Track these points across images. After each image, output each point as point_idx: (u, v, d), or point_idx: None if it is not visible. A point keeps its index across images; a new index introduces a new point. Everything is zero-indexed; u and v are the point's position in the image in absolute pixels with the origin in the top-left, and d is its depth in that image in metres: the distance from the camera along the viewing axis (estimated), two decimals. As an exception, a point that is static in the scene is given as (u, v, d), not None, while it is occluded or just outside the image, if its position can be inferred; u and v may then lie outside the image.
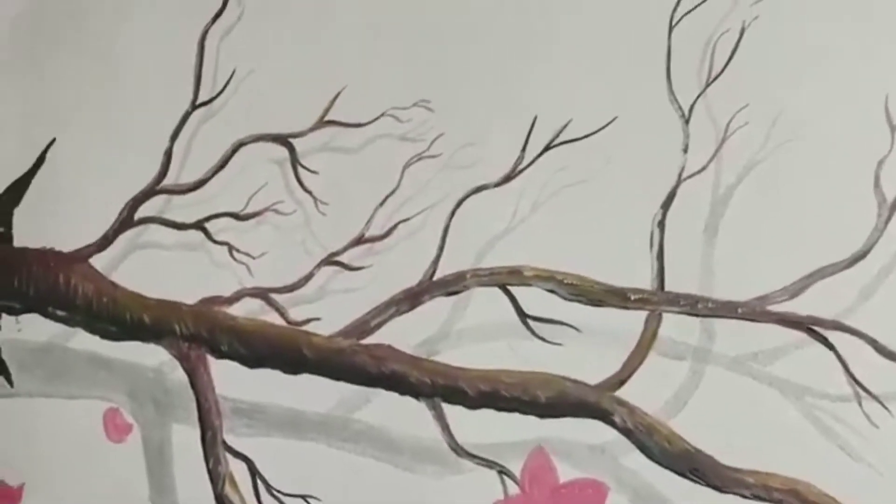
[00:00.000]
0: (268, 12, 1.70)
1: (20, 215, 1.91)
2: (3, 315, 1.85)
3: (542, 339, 1.40)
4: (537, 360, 1.39)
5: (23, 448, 1.81)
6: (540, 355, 1.39)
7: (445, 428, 1.44)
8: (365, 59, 1.60)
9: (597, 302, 1.37)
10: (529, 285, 1.41)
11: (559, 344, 1.39)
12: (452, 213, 1.48)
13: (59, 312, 1.78)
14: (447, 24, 1.54)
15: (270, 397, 1.58)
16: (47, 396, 1.78)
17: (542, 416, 1.38)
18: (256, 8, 1.71)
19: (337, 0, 1.63)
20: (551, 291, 1.40)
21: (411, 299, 1.49)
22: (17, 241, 1.90)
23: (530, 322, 1.40)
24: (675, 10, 1.38)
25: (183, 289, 1.68)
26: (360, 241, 1.55)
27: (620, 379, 1.34)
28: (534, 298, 1.41)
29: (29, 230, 1.88)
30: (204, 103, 1.72)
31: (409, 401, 1.46)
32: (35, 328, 1.81)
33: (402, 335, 1.49)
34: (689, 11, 1.37)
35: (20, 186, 1.90)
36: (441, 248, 1.49)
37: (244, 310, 1.62)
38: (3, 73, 1.98)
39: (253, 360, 1.59)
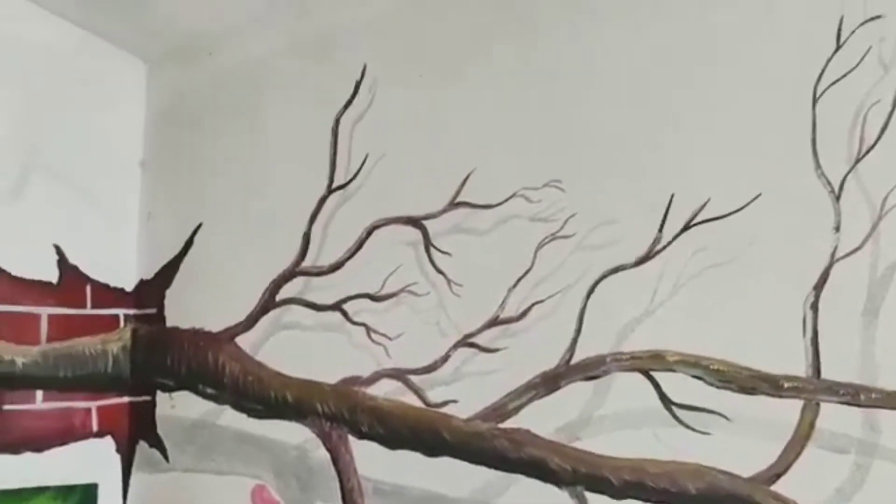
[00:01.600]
0: (397, 98, 1.75)
1: (171, 297, 2.03)
2: (158, 392, 1.97)
3: (689, 427, 1.34)
4: (685, 450, 1.34)
5: (178, 522, 1.91)
6: (687, 444, 1.34)
7: (589, 517, 1.41)
8: (494, 141, 1.61)
9: (747, 389, 1.31)
10: (673, 371, 1.37)
11: (707, 433, 1.33)
12: (588, 295, 1.46)
13: (209, 390, 1.88)
14: (576, 102, 1.54)
15: (411, 479, 1.59)
16: (199, 472, 1.88)
17: (691, 508, 1.33)
18: (386, 94, 1.76)
19: (465, 83, 1.66)
20: (697, 377, 1.35)
21: (549, 383, 1.48)
22: (169, 322, 2.02)
23: (676, 409, 1.36)
24: (818, 80, 1.31)
25: (323, 368, 1.74)
26: (494, 322, 1.55)
27: (776, 472, 1.27)
28: (678, 384, 1.36)
29: (180, 311, 2.00)
30: (339, 187, 1.79)
31: (550, 488, 1.44)
32: (187, 405, 1.91)
33: (541, 420, 1.48)
34: (835, 82, 1.30)
35: (170, 269, 2.03)
36: (578, 331, 1.46)
37: (383, 390, 1.66)
38: (152, 165, 2.13)
39: (393, 441, 1.62)
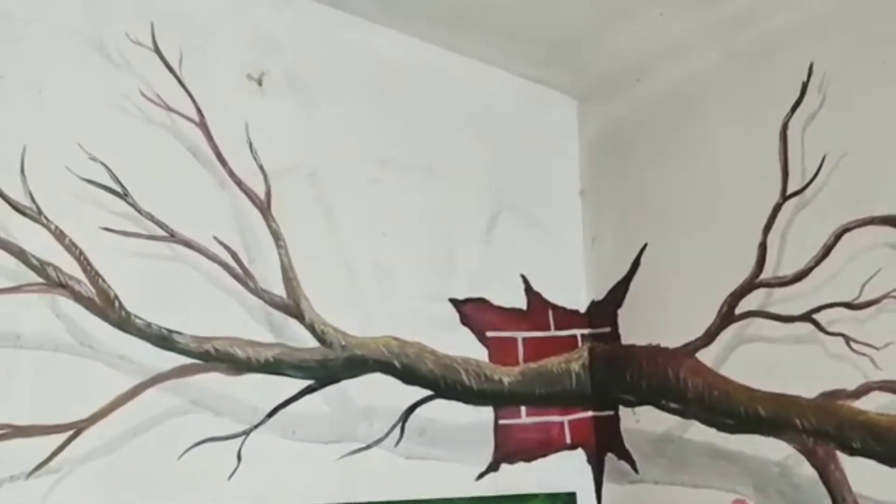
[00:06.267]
0: (855, 92, 1.63)
1: (624, 315, 2.12)
2: (621, 407, 2.07)
3: None
4: None
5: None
6: None
7: None
8: None
9: None
10: None
11: None
12: None
13: (672, 405, 1.93)
14: None
15: (922, 499, 1.46)
16: (672, 484, 1.92)
17: None
18: (840, 90, 1.66)
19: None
20: None
21: None
22: (624, 339, 2.12)
23: None
24: None
25: (797, 381, 1.67)
26: None
27: None
28: None
29: (633, 328, 2.09)
30: (794, 193, 1.72)
31: None
32: (651, 419, 1.98)
33: None
34: None
35: (620, 289, 2.13)
36: None
37: (874, 404, 1.55)
38: (590, 193, 2.26)
39: (893, 458, 1.50)
